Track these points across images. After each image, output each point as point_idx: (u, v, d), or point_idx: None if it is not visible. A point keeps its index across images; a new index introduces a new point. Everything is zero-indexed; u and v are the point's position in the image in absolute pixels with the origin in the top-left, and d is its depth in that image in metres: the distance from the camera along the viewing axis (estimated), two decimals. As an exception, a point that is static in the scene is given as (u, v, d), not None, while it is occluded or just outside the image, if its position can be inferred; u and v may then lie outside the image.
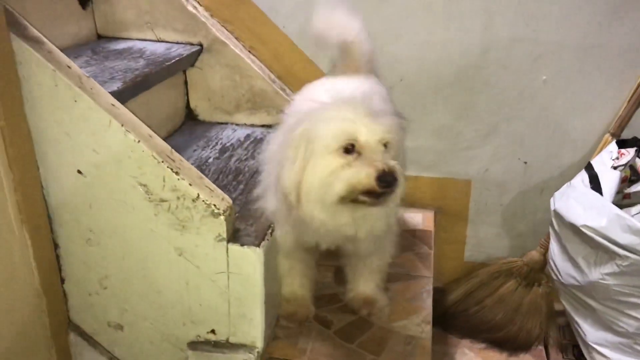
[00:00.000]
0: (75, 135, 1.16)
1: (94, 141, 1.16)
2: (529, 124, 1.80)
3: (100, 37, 1.86)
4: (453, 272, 2.01)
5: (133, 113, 1.19)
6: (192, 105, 1.91)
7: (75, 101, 1.13)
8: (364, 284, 1.44)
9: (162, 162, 1.15)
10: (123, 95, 1.39)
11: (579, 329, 1.60)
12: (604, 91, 1.71)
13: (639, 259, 1.37)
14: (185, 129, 1.86)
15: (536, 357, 1.78)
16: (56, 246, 1.27)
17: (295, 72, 1.85)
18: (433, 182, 1.93)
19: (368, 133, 1.10)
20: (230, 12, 1.83)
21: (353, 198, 1.10)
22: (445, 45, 1.75)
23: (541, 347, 1.80)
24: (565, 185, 1.63)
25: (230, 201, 1.22)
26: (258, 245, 1.20)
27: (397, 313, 1.45)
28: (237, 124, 1.88)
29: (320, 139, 1.11)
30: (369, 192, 1.08)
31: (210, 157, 1.64)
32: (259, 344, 1.28)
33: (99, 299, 1.31)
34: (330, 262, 1.56)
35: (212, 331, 1.29)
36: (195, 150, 1.68)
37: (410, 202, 1.95)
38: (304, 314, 1.39)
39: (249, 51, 1.85)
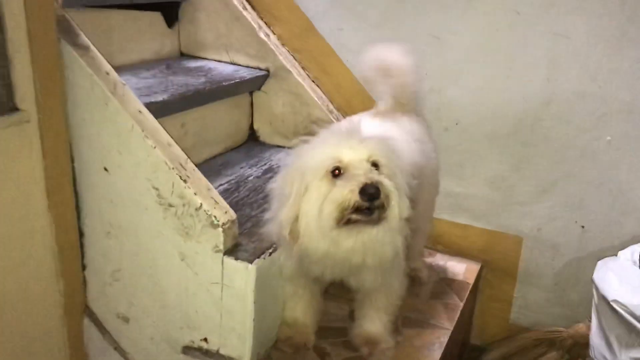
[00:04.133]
0: (105, 135, 1.28)
1: (118, 142, 1.27)
2: (589, 186, 1.68)
3: (183, 54, 2.02)
4: (495, 332, 1.90)
5: (183, 125, 1.29)
6: (255, 126, 2.00)
7: (106, 104, 1.25)
8: (370, 322, 1.41)
9: (173, 169, 1.23)
10: (168, 106, 1.51)
11: (608, 417, 1.44)
12: (675, 160, 1.56)
13: (670, 348, 1.23)
14: (244, 147, 1.95)
15: None
16: (82, 234, 1.39)
17: (354, 105, 1.87)
18: (483, 233, 1.85)
19: (351, 153, 1.14)
20: (300, 43, 1.91)
21: (346, 218, 1.12)
22: (505, 93, 1.69)
23: None
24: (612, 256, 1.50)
25: (234, 216, 1.27)
26: (251, 262, 1.23)
27: (400, 359, 1.40)
28: (292, 149, 1.94)
29: (310, 169, 1.15)
30: (358, 210, 1.10)
31: (252, 175, 1.70)
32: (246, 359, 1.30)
33: (111, 289, 1.41)
34: (349, 294, 1.54)
35: (205, 339, 1.33)
36: (242, 167, 1.76)
37: (457, 251, 1.89)
38: (301, 340, 1.39)
39: (313, 81, 1.91)
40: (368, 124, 1.35)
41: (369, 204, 1.10)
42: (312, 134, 1.26)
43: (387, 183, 1.12)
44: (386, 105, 1.55)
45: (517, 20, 1.63)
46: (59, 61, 1.24)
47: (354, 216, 1.12)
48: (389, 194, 1.12)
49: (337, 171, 1.13)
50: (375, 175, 1.11)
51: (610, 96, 1.58)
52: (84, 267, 1.42)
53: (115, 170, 1.30)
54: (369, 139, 1.16)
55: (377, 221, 1.14)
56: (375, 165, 1.15)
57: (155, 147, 1.23)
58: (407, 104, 1.54)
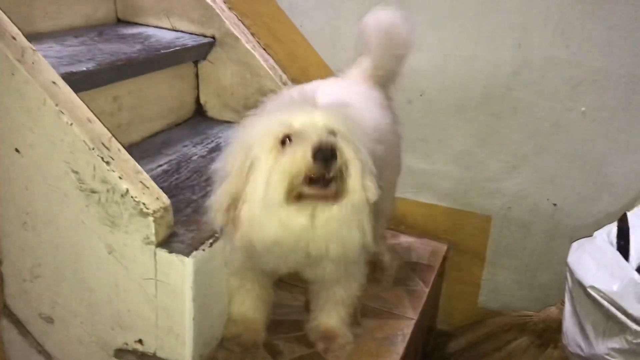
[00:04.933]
0: (13, 110, 1.10)
1: (30, 119, 1.09)
2: (563, 161, 1.56)
3: (120, 21, 1.82)
4: (463, 317, 1.79)
5: (116, 98, 1.12)
6: (202, 100, 1.82)
7: (13, 74, 1.07)
8: (327, 316, 1.27)
9: (94, 149, 1.06)
10: (95, 77, 1.33)
11: (582, 409, 1.34)
12: (654, 131, 1.45)
13: (652, 338, 1.12)
14: (190, 123, 1.78)
15: None
16: (-6, 226, 1.22)
17: (311, 76, 1.71)
18: (449, 213, 1.72)
19: (304, 118, 0.97)
20: (248, 6, 1.73)
21: (297, 191, 0.95)
22: (472, 60, 1.55)
23: (545, 420, 1.55)
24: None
25: (167, 202, 1.11)
26: (188, 255, 1.08)
27: (359, 354, 1.27)
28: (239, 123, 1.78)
29: (257, 140, 0.99)
30: (312, 180, 0.93)
31: (196, 155, 1.53)
32: (186, 363, 1.16)
33: (32, 287, 1.24)
34: (304, 283, 1.40)
35: (140, 341, 1.18)
36: (185, 145, 1.59)
37: (421, 232, 1.76)
38: (250, 338, 1.25)
39: (264, 49, 1.74)
40: (325, 89, 1.17)
41: (325, 168, 0.92)
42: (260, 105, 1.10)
43: (346, 149, 0.95)
44: (356, 74, 1.39)
45: (485, -20, 1.49)
46: (-47, 23, 1.05)
47: (307, 189, 0.94)
48: (347, 160, 0.95)
49: (287, 139, 0.96)
50: (330, 138, 0.94)
51: (585, 63, 1.45)
52: (-1, 262, 1.25)
53: (27, 152, 1.12)
54: (326, 105, 1.00)
55: (336, 196, 0.96)
56: (333, 134, 0.98)
57: (71, 124, 1.06)
58: (385, 76, 1.38)
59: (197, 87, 1.80)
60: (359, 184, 0.98)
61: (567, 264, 1.35)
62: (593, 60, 1.45)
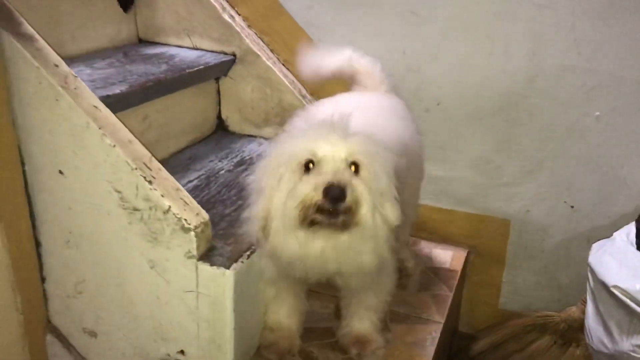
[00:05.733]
0: (57, 134, 1.15)
1: (73, 142, 1.14)
2: (578, 164, 1.60)
3: (141, 41, 1.87)
4: (485, 319, 1.83)
5: (146, 117, 1.17)
6: (223, 115, 1.87)
7: (57, 100, 1.12)
8: (359, 322, 1.32)
9: (136, 169, 1.11)
10: (128, 99, 1.38)
11: (608, 405, 1.39)
12: (668, 134, 1.50)
13: (676, 334, 1.17)
14: (213, 138, 1.83)
15: None
16: (39, 244, 1.26)
17: (328, 89, 1.75)
18: (468, 217, 1.77)
19: (328, 148, 1.03)
20: (267, 24, 1.78)
21: (310, 219, 1.02)
22: (487, 69, 1.60)
23: (570, 417, 1.59)
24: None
25: (206, 217, 1.15)
26: (228, 267, 1.12)
27: (392, 359, 1.32)
28: (265, 138, 1.83)
29: (284, 160, 1.06)
30: (322, 210, 1.01)
31: (223, 169, 1.58)
32: (228, 372, 1.20)
33: (76, 302, 1.28)
34: (334, 292, 1.45)
35: (182, 352, 1.22)
36: (211, 160, 1.64)
37: (442, 237, 1.81)
38: (285, 345, 1.29)
39: (283, 64, 1.79)
40: (350, 105, 1.24)
41: (332, 206, 1.00)
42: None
43: (359, 187, 1.02)
44: (364, 88, 1.46)
45: (498, -8, 1.54)
46: (2, 53, 1.10)
47: (317, 217, 1.02)
48: (358, 198, 1.02)
49: (310, 165, 1.03)
50: (346, 176, 1.01)
51: (597, 69, 1.50)
52: (43, 280, 1.29)
53: (71, 173, 1.17)
54: (353, 136, 1.05)
55: (343, 227, 1.03)
56: (355, 165, 1.04)
57: (114, 146, 1.11)
58: (380, 85, 1.46)
59: (219, 103, 1.85)
60: (370, 217, 1.04)
61: (588, 265, 1.39)
62: (605, 66, 1.50)
